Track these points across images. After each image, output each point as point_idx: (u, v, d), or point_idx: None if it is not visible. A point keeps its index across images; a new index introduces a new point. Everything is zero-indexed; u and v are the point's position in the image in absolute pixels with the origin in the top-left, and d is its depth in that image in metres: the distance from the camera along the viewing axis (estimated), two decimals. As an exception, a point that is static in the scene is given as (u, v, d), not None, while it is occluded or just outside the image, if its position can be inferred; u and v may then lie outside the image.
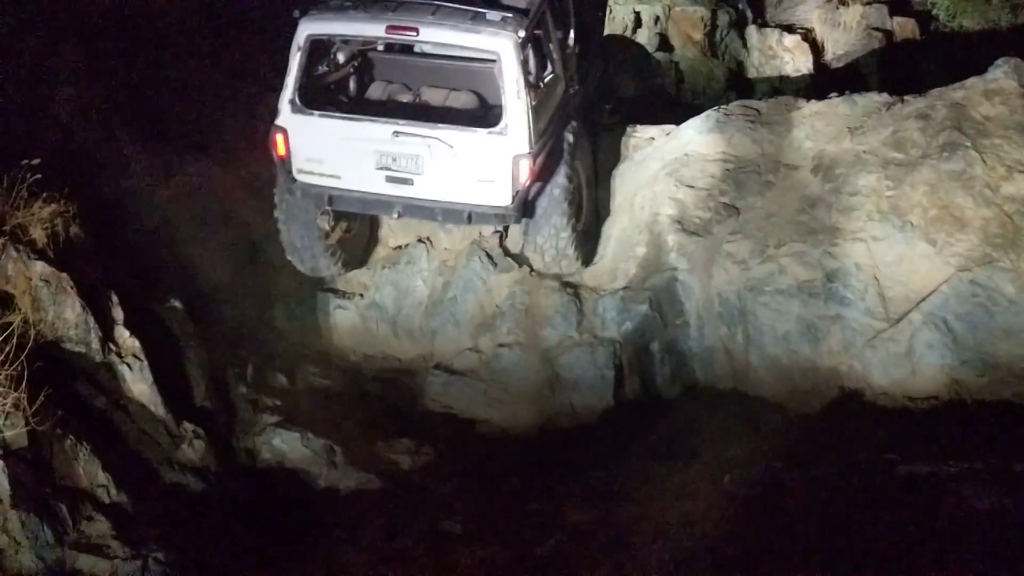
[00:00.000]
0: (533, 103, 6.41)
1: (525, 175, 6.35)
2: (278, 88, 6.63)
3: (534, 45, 6.65)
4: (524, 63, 6.34)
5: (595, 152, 7.50)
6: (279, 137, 6.57)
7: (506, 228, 7.26)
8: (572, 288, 7.12)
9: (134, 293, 6.14)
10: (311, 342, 7.27)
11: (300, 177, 6.64)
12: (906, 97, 6.99)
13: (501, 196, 6.41)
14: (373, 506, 5.62)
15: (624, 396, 6.78)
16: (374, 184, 6.54)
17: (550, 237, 6.82)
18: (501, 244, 7.38)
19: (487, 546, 5.13)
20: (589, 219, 7.32)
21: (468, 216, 6.55)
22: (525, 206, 6.60)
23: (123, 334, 5.77)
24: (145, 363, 5.73)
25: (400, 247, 7.60)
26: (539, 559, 4.95)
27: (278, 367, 6.80)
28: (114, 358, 5.68)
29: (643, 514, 5.32)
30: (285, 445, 6.03)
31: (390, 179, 6.49)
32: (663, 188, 7.22)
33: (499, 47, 6.29)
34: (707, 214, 7.01)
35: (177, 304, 6.39)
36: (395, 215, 6.79)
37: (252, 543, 5.11)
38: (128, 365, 5.69)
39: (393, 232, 7.70)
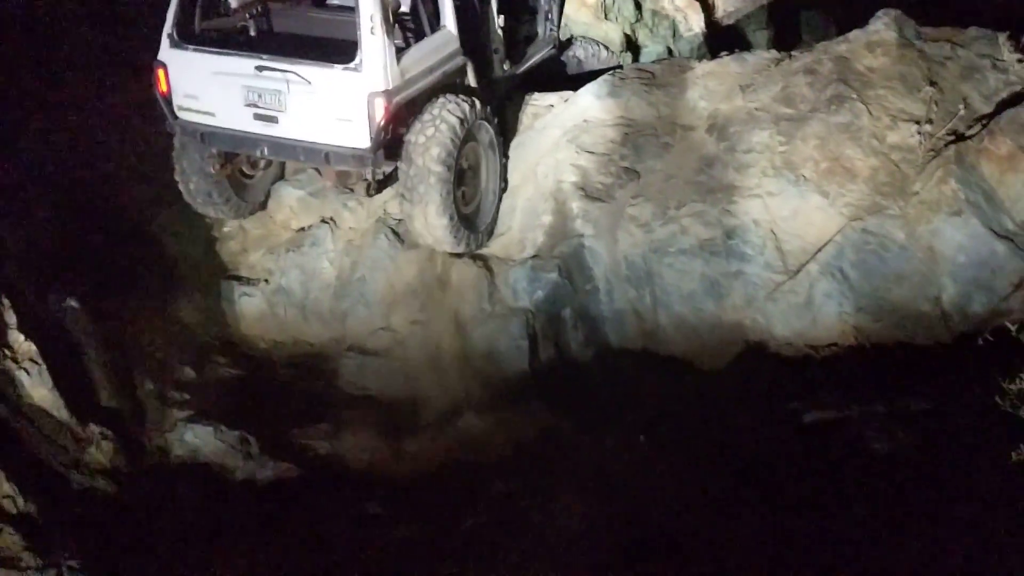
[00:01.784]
0: (396, 44, 6.31)
1: (381, 114, 6.21)
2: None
3: None
4: (385, 3, 6.21)
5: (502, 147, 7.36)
6: (160, 72, 6.61)
7: (380, 183, 6.95)
8: (482, 261, 7.11)
9: (26, 294, 5.92)
10: (218, 332, 7.09)
11: (180, 114, 6.67)
12: (793, 53, 7.17)
13: (359, 137, 6.30)
14: (293, 494, 5.57)
15: (540, 364, 6.83)
16: (243, 122, 6.54)
17: (424, 222, 6.68)
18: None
19: (411, 525, 5.14)
20: (487, 203, 7.25)
21: (326, 156, 6.47)
22: (387, 151, 6.49)
23: (18, 338, 5.57)
24: (43, 367, 5.55)
25: (303, 229, 7.46)
26: (463, 533, 4.98)
27: (185, 360, 6.64)
28: (10, 364, 5.48)
29: (563, 480, 5.40)
30: (198, 439, 5.92)
31: (257, 116, 6.48)
32: (565, 155, 7.26)
33: None
34: (609, 179, 7.07)
35: (74, 303, 6.18)
36: (262, 154, 6.76)
37: (170, 542, 5.01)
38: (26, 370, 5.51)
39: (295, 214, 7.56)
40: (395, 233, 7.16)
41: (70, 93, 7.57)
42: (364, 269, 7.10)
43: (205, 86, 6.55)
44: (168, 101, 6.68)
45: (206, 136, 6.70)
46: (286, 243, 7.44)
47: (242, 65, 6.41)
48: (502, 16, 7.52)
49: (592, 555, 4.59)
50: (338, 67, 6.23)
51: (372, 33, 6.16)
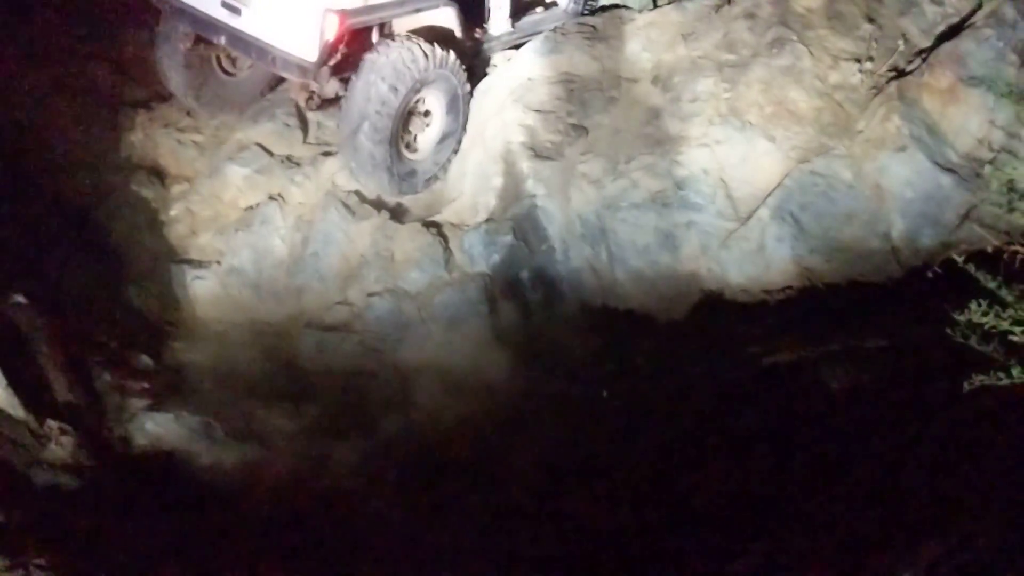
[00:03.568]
0: None
1: (332, 31, 6.22)
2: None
3: None
4: None
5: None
6: None
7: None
8: (435, 227, 7.06)
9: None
10: (172, 318, 6.98)
11: None
12: (732, -1, 7.14)
13: (307, 49, 6.32)
14: (259, 475, 5.54)
15: (501, 328, 6.82)
16: (210, 5, 6.62)
17: (355, 156, 6.77)
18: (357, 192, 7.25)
19: (380, 499, 5.15)
20: (438, 154, 7.25)
21: (273, 60, 6.51)
22: (334, 70, 6.57)
23: (-36, 339, 5.45)
24: (-5, 366, 5.43)
25: (251, 207, 7.34)
26: (431, 506, 5.00)
27: (141, 348, 6.53)
28: (-40, 366, 5.37)
29: (527, 440, 5.44)
30: (159, 428, 5.83)
31: (224, 4, 6.55)
32: (512, 115, 7.20)
33: None
34: (557, 137, 7.03)
35: (20, 299, 6.03)
36: (221, 40, 6.78)
37: (137, 533, 4.97)
38: (-24, 371, 5.39)
39: (243, 192, 7.43)
40: (345, 206, 7.08)
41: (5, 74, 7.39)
42: (316, 244, 7.02)
43: None
44: None
45: (174, 11, 6.85)
46: (235, 223, 7.31)
47: None
48: None
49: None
50: None
51: None
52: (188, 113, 7.94)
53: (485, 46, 7.64)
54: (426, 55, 6.65)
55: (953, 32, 6.47)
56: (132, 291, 6.96)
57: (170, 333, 6.85)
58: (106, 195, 7.35)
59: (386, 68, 6.56)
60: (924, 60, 6.36)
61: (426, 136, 7.16)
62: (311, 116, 7.83)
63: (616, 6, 8.14)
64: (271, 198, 7.31)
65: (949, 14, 6.71)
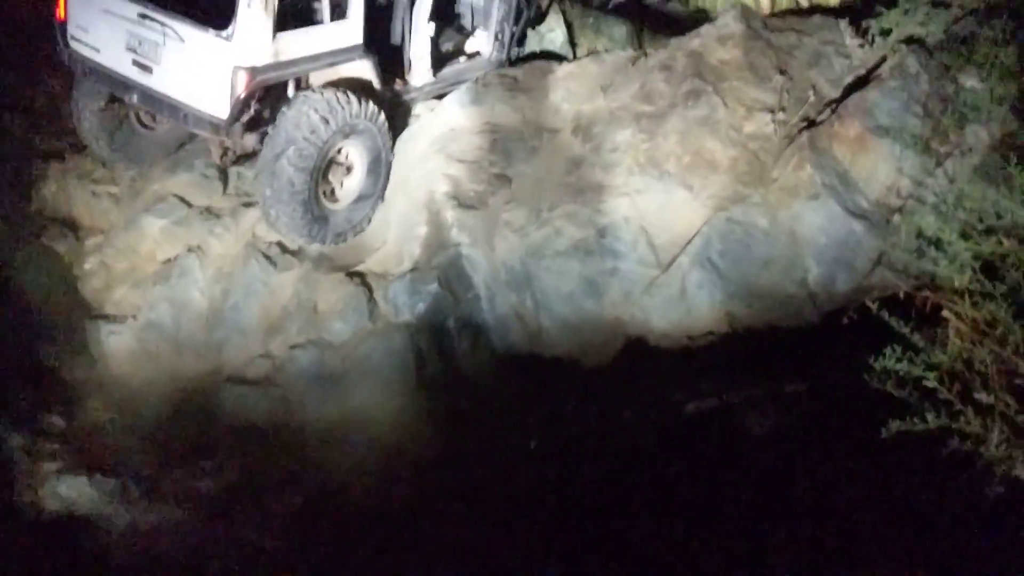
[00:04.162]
0: (275, 20, 6.29)
1: (242, 89, 6.25)
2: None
3: None
4: None
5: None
6: None
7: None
8: (359, 277, 6.99)
9: None
10: (86, 375, 6.75)
11: (71, 44, 6.87)
12: (649, 51, 7.31)
13: (218, 106, 6.35)
14: (177, 538, 5.36)
15: (427, 378, 6.76)
16: (121, 64, 6.66)
17: (272, 208, 6.72)
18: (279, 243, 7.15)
19: (302, 561, 5.02)
20: (362, 204, 7.22)
21: (185, 117, 6.52)
22: (248, 127, 6.61)
23: None
24: None
25: (169, 260, 7.18)
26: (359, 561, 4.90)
27: (53, 408, 6.31)
28: None
29: (454, 488, 5.38)
30: (72, 491, 5.62)
31: (135, 63, 6.60)
32: (435, 165, 7.21)
33: None
34: (481, 186, 7.07)
35: (-78, 359, 5.80)
36: (133, 99, 6.78)
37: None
38: None
39: (159, 244, 7.28)
40: (267, 257, 6.98)
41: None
42: (237, 296, 6.88)
43: (96, 22, 6.72)
44: (64, 28, 6.85)
45: (87, 70, 6.88)
46: (152, 276, 7.14)
47: (129, 9, 6.52)
48: (432, 24, 7.49)
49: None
50: (211, 32, 6.26)
51: (249, 6, 6.16)
52: (104, 164, 7.77)
53: (407, 97, 7.66)
54: (339, 106, 6.66)
55: (860, 83, 6.73)
56: (44, 348, 6.72)
57: (84, 391, 6.62)
58: (17, 249, 7.12)
59: (320, 102, 6.60)
60: (833, 111, 6.60)
61: (345, 190, 7.11)
62: (230, 167, 7.73)
63: (536, 56, 8.28)
64: (190, 250, 7.17)
65: (856, 66, 6.98)
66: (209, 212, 7.40)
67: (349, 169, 7.06)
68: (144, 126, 7.64)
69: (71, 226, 7.53)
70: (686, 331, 6.32)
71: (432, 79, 7.75)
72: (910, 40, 6.71)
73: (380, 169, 7.19)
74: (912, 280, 5.36)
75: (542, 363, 6.71)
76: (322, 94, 6.61)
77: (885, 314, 4.32)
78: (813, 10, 7.99)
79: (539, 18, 8.82)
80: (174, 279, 7.05)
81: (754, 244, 6.32)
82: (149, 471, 5.90)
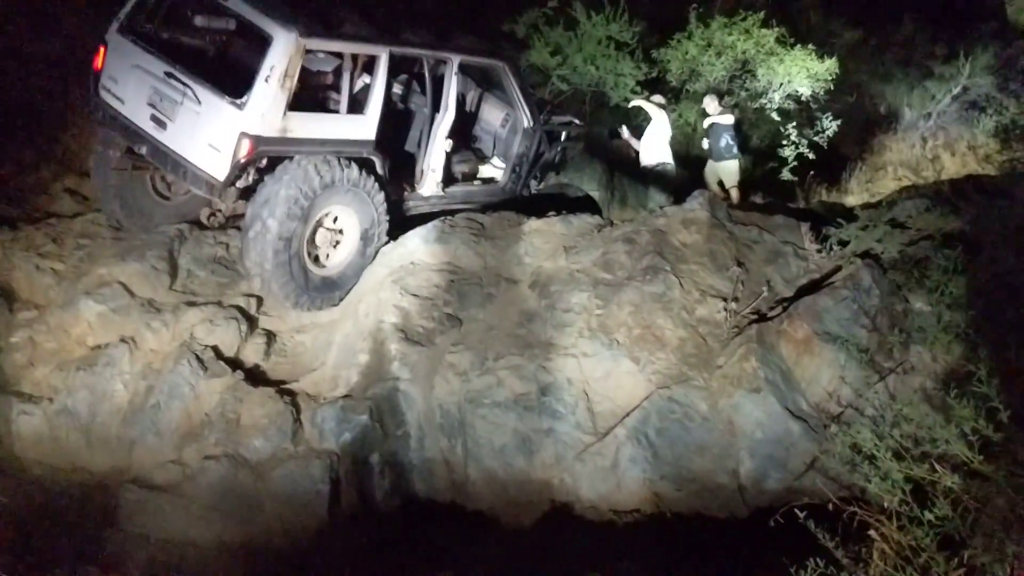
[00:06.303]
0: (289, 99, 6.68)
1: (243, 153, 6.59)
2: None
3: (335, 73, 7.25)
4: (293, 63, 6.63)
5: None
6: (101, 49, 7.19)
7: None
8: (290, 396, 6.80)
9: None
10: (-14, 453, 6.42)
11: (100, 93, 7.21)
12: (615, 221, 7.46)
13: (218, 167, 6.67)
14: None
15: (341, 512, 6.49)
16: (140, 117, 6.99)
17: (251, 262, 6.96)
18: (214, 347, 6.98)
19: None
20: (346, 273, 7.47)
21: (185, 173, 6.80)
22: (241, 194, 6.94)
23: None
24: None
25: (99, 347, 6.96)
26: None
27: (-59, 484, 5.94)
28: None
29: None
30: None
31: (152, 117, 6.93)
32: (388, 295, 7.18)
33: (276, 33, 6.65)
34: (431, 324, 7.02)
35: None
36: (143, 150, 7.03)
37: None
38: None
39: (93, 330, 7.06)
40: (199, 360, 6.78)
41: None
42: (160, 395, 6.64)
43: (126, 75, 7.06)
44: (97, 77, 7.20)
45: (108, 118, 7.17)
46: (78, 360, 6.89)
47: (157, 67, 6.89)
48: (450, 141, 7.92)
49: None
50: (227, 99, 6.62)
51: (266, 81, 6.57)
52: (54, 240, 7.64)
53: (411, 203, 8.01)
54: (329, 172, 6.97)
55: (813, 287, 6.89)
56: (-55, 419, 6.38)
57: (-21, 471, 6.25)
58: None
59: (316, 158, 6.93)
60: (784, 309, 6.72)
61: (336, 254, 7.40)
62: (182, 263, 7.64)
63: (508, 207, 8.41)
64: (122, 340, 6.96)
65: (811, 269, 7.18)
66: (151, 305, 7.23)
67: (340, 232, 7.37)
68: (160, 195, 7.97)
69: (6, 296, 7.29)
70: (613, 505, 6.20)
71: (440, 193, 8.13)
72: (866, 254, 6.95)
73: (373, 235, 7.51)
74: (843, 490, 5.33)
75: (462, 515, 6.51)
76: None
77: (811, 525, 4.25)
78: (777, 208, 8.27)
79: (563, 163, 9.38)
80: (99, 367, 6.80)
81: (692, 427, 6.29)
82: (29, 570, 5.47)
